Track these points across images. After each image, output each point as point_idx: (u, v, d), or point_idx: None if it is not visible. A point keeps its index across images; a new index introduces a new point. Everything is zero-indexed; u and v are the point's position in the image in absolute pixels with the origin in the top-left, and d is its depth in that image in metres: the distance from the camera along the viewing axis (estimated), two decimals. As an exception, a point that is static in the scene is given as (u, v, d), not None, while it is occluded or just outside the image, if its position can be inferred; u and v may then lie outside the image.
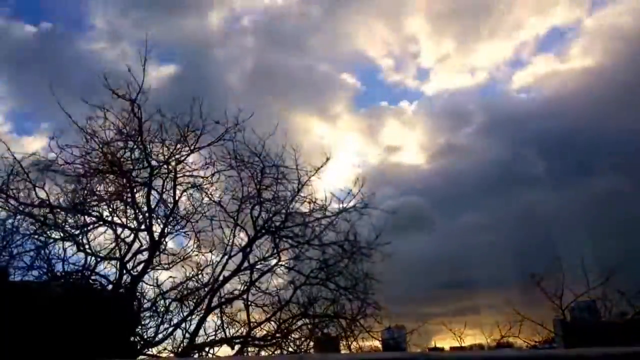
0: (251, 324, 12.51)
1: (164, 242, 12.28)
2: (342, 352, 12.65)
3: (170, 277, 12.46)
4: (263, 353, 12.39)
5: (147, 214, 12.00)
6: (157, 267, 12.23)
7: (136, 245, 11.95)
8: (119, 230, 12.11)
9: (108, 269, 11.88)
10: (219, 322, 12.38)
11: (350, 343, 12.77)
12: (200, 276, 12.59)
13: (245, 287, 12.60)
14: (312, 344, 12.90)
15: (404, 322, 15.02)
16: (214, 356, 12.53)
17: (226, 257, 12.66)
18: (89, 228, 11.92)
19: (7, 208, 11.30)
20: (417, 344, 14.72)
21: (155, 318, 11.80)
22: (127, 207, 12.18)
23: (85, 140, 11.99)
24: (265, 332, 12.65)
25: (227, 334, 12.39)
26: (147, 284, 12.06)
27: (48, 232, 11.60)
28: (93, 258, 11.75)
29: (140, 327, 11.65)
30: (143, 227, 11.98)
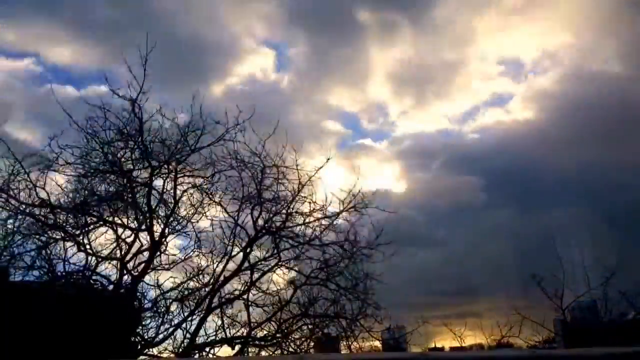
0: (251, 324, 12.53)
1: (165, 243, 12.27)
2: (342, 352, 12.66)
3: (171, 277, 12.48)
4: (263, 353, 12.41)
5: (147, 214, 12.00)
6: (158, 268, 12.23)
7: (137, 245, 11.97)
8: (120, 230, 12.13)
9: (109, 269, 11.89)
10: (219, 322, 12.39)
11: (350, 343, 12.80)
12: (200, 276, 12.59)
13: (246, 287, 12.62)
14: (312, 344, 12.92)
15: (404, 323, 15.04)
16: (215, 356, 12.55)
17: (226, 257, 12.69)
18: (89, 228, 11.92)
19: (7, 208, 11.30)
20: (417, 344, 14.76)
21: (156, 318, 11.81)
22: (128, 207, 12.19)
23: (86, 140, 12.00)
24: (265, 333, 12.68)
25: (228, 334, 12.40)
26: (147, 284, 12.08)
27: (49, 232, 11.60)
28: (94, 258, 11.75)
29: (140, 327, 11.65)
30: (143, 227, 11.98)
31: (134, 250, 11.88)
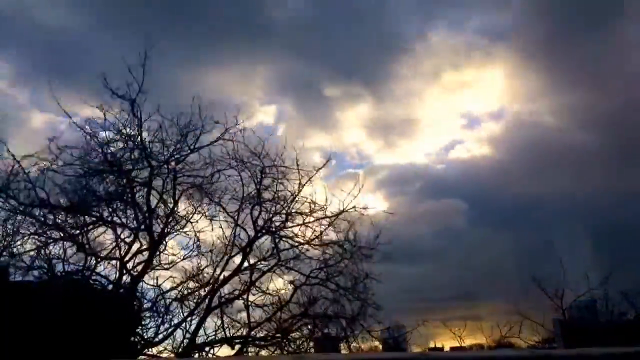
0: (251, 324, 12.52)
1: (164, 242, 12.25)
2: (342, 352, 12.66)
3: (171, 277, 12.47)
4: (263, 353, 12.40)
5: (147, 214, 11.99)
6: (157, 267, 12.22)
7: (136, 245, 11.95)
8: (119, 230, 12.10)
9: (108, 269, 11.86)
10: (219, 322, 12.40)
11: (350, 343, 12.80)
12: (200, 276, 12.61)
13: (246, 287, 12.62)
14: (312, 344, 12.91)
15: (404, 323, 15.05)
16: (214, 356, 12.55)
17: (226, 257, 12.69)
18: (89, 228, 11.90)
19: (7, 208, 11.29)
20: (417, 344, 14.76)
21: (156, 318, 11.80)
22: (127, 207, 12.17)
23: (85, 140, 11.99)
24: (265, 332, 12.67)
25: (227, 334, 12.40)
26: (147, 284, 12.07)
27: (48, 232, 11.59)
28: (93, 258, 11.73)
29: (140, 327, 11.64)
30: (143, 227, 11.96)
31: (133, 250, 11.89)
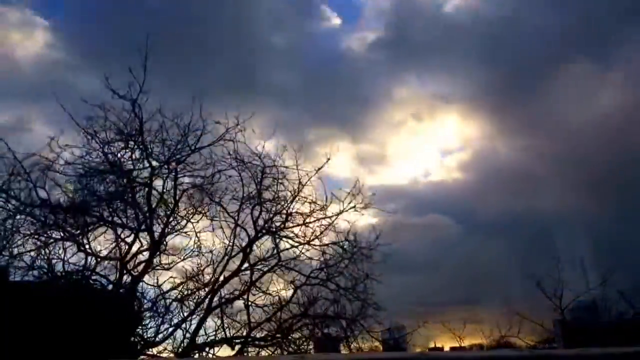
0: (251, 324, 12.52)
1: (165, 243, 12.25)
2: (342, 352, 12.66)
3: (171, 277, 12.47)
4: (263, 353, 12.40)
5: (147, 214, 11.99)
6: (158, 268, 12.23)
7: (136, 245, 11.96)
8: (120, 230, 12.10)
9: (108, 270, 11.85)
10: (219, 322, 12.40)
11: (350, 343, 12.79)
12: (200, 276, 12.61)
13: (246, 287, 12.61)
14: (312, 344, 12.92)
15: (404, 323, 15.05)
16: (214, 356, 12.55)
17: (226, 257, 12.68)
18: (89, 228, 11.89)
19: (7, 208, 11.28)
20: (417, 344, 14.77)
21: (156, 318, 11.80)
22: (128, 207, 12.17)
23: (86, 140, 11.99)
24: (265, 333, 12.67)
25: (228, 334, 12.40)
26: (147, 284, 12.08)
27: (48, 232, 11.59)
28: (93, 258, 11.74)
29: (140, 327, 11.65)
30: (143, 227, 11.97)
31: (133, 250, 11.91)
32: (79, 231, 11.80)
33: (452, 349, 19.71)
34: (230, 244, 12.67)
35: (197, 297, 12.42)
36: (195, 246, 12.64)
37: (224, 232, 12.79)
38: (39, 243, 11.40)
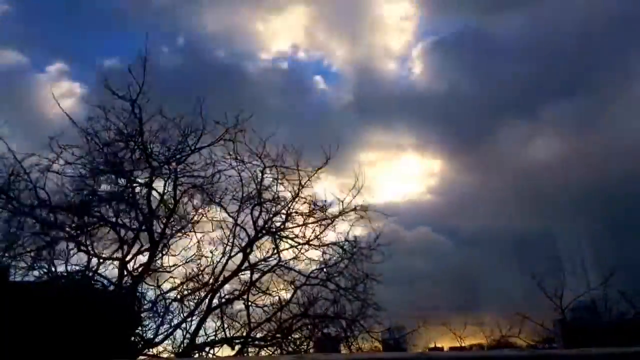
0: (251, 324, 12.53)
1: (165, 243, 12.26)
2: (342, 352, 12.67)
3: (171, 277, 12.48)
4: (263, 353, 12.41)
5: (147, 215, 12.01)
6: (158, 268, 12.23)
7: (137, 245, 11.95)
8: (120, 230, 12.10)
9: (109, 270, 11.87)
10: (219, 322, 12.42)
11: (350, 343, 12.80)
12: (200, 277, 12.61)
13: (246, 287, 12.63)
14: (312, 344, 12.92)
15: (404, 323, 15.04)
16: (214, 356, 12.55)
17: (226, 257, 12.69)
18: (89, 229, 11.91)
19: (8, 208, 11.29)
20: (417, 344, 14.77)
21: (156, 318, 11.81)
22: (128, 207, 12.18)
23: (86, 140, 12.01)
24: (265, 333, 12.68)
25: (227, 334, 12.42)
26: (147, 284, 12.09)
27: (49, 233, 11.59)
28: (94, 258, 11.75)
29: (140, 327, 11.65)
30: (144, 227, 11.97)
31: (134, 250, 11.89)
32: (79, 231, 11.82)
33: (452, 349, 19.74)
34: (230, 244, 12.72)
35: (197, 297, 12.44)
36: (196, 246, 12.68)
37: (224, 232, 12.84)
38: (39, 243, 11.41)
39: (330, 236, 13.06)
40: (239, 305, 12.74)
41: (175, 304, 12.16)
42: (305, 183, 12.88)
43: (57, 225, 11.63)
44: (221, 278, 12.52)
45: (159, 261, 12.18)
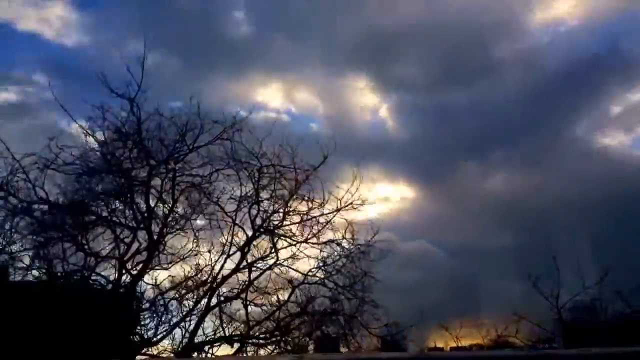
0: (250, 323, 12.56)
1: (163, 242, 12.28)
2: (341, 350, 12.69)
3: (170, 276, 12.50)
4: (262, 352, 12.42)
5: (146, 214, 12.04)
6: (156, 267, 12.26)
7: (135, 245, 11.96)
8: (118, 229, 12.12)
9: (107, 269, 11.88)
10: (217, 321, 12.45)
11: (349, 342, 12.82)
12: (199, 275, 12.63)
13: (244, 286, 12.65)
14: (311, 342, 12.94)
15: (403, 322, 15.02)
16: (213, 355, 12.56)
17: (225, 256, 12.72)
18: (88, 228, 11.92)
19: (6, 207, 11.32)
20: (415, 342, 14.77)
21: (155, 317, 11.80)
22: (126, 206, 12.21)
23: (85, 139, 12.04)
24: (264, 331, 12.70)
25: (226, 333, 12.46)
26: (146, 283, 12.09)
27: (47, 232, 11.60)
28: (92, 258, 11.75)
29: (139, 326, 11.66)
30: (142, 226, 12.00)
31: (132, 249, 11.90)
32: (77, 231, 11.82)
33: (452, 349, 19.70)
34: (228, 242, 12.76)
35: (195, 296, 12.46)
36: (194, 245, 12.70)
37: (221, 231, 12.87)
38: (38, 243, 11.43)
39: (328, 234, 13.11)
40: (237, 304, 12.78)
41: (174, 303, 12.19)
42: (302, 181, 12.92)
43: (56, 224, 11.64)
44: (219, 277, 12.56)
45: (157, 260, 12.21)
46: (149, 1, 28.98)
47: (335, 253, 12.96)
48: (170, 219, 12.42)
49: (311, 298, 12.80)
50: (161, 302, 12.05)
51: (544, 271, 18.19)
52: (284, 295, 12.95)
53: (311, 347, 13.05)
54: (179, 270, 12.58)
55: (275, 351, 12.37)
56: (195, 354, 12.10)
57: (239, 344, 12.39)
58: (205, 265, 12.69)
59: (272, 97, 31.28)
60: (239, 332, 12.61)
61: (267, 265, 12.86)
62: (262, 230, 12.79)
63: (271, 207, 12.92)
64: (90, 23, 31.96)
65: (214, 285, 12.47)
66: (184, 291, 12.41)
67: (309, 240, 12.89)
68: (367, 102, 35.15)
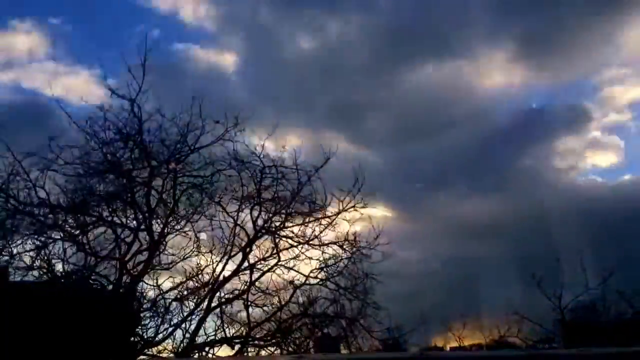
0: (251, 324, 12.53)
1: (164, 242, 12.25)
2: (342, 352, 12.65)
3: (170, 277, 12.50)
4: (263, 353, 12.41)
5: (146, 214, 11.99)
6: (157, 267, 12.24)
7: (136, 245, 11.92)
8: (119, 230, 12.09)
9: (108, 269, 11.85)
10: (219, 322, 12.42)
11: (350, 343, 12.80)
12: (200, 276, 12.62)
13: (245, 287, 12.62)
14: (312, 343, 12.91)
15: (404, 323, 15.02)
16: (214, 356, 12.55)
17: (226, 257, 12.69)
18: (89, 228, 11.90)
19: (7, 208, 11.27)
20: (417, 344, 14.78)
21: (155, 318, 11.81)
22: (127, 207, 12.17)
23: (85, 140, 11.98)
24: (265, 332, 12.69)
25: (227, 333, 12.42)
26: (147, 284, 12.09)
27: (48, 232, 11.58)
28: (93, 258, 11.73)
29: (140, 327, 11.63)
30: (143, 227, 11.97)
31: (133, 250, 11.86)
32: (78, 231, 11.81)
33: (452, 349, 19.72)
34: (230, 243, 12.70)
35: (196, 296, 12.44)
36: (195, 246, 12.66)
37: (223, 232, 12.83)
38: (38, 243, 11.41)
39: (329, 235, 13.08)
40: (238, 305, 12.75)
41: (175, 304, 12.18)
42: (305, 182, 12.87)
43: (56, 224, 11.61)
44: (221, 278, 12.53)
45: (158, 260, 12.19)
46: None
47: (337, 254, 12.91)
48: (171, 219, 12.39)
49: (312, 299, 12.80)
50: (162, 302, 12.07)
51: (546, 273, 18.34)
52: (285, 297, 12.92)
53: (311, 347, 13.02)
54: (180, 271, 12.59)
55: (276, 352, 12.35)
56: (196, 354, 12.07)
57: (239, 345, 12.37)
58: (207, 266, 12.69)
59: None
60: (239, 333, 12.59)
61: (269, 266, 12.83)
62: (263, 231, 12.75)
63: (273, 208, 12.87)
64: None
65: (215, 286, 12.44)
66: (185, 292, 12.39)
67: (310, 242, 12.84)
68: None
